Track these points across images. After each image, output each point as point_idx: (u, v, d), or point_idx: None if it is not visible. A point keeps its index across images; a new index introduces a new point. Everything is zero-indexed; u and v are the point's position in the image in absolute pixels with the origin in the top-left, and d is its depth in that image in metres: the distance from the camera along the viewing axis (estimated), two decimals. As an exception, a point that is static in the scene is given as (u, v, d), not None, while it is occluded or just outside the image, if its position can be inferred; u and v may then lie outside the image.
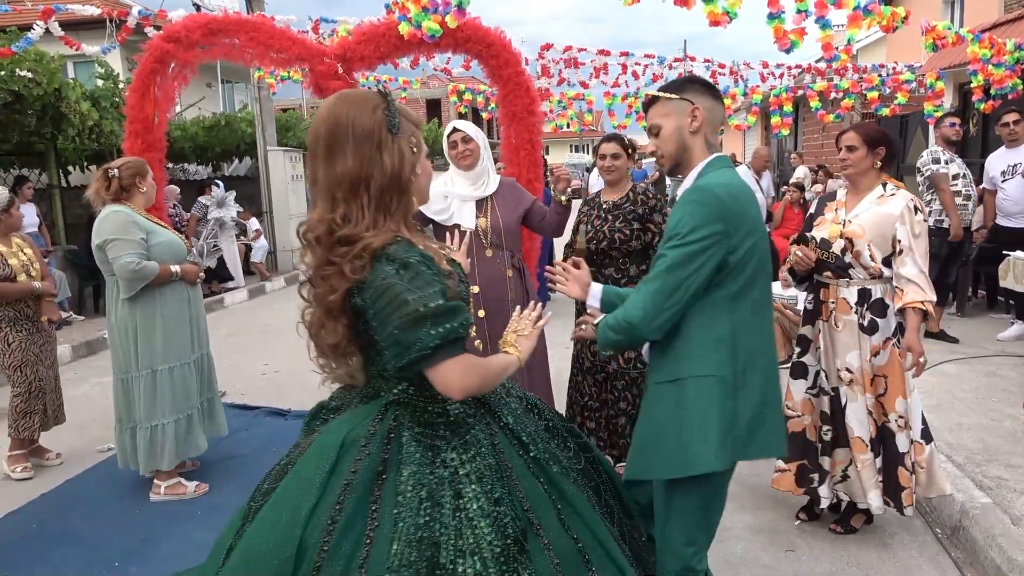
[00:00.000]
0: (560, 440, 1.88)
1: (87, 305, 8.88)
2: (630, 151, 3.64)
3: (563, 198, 3.35)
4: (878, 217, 2.94)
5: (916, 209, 2.91)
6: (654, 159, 2.20)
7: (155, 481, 3.71)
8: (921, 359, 2.86)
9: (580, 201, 4.01)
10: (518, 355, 1.76)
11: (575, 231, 3.67)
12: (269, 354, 6.82)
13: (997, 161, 6.17)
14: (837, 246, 3.01)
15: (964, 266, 6.81)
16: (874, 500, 3.00)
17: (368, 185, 1.54)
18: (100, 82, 9.66)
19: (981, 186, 6.47)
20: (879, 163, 3.03)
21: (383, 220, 1.56)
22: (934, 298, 2.88)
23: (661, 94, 2.04)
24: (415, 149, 1.62)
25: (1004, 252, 5.38)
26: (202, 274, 3.89)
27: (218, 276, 10.14)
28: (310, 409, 1.88)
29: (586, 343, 3.58)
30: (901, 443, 2.97)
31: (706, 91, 2.03)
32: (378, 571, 1.48)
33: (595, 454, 1.98)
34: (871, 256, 2.94)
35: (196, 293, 3.85)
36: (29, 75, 7.83)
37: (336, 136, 1.54)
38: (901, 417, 2.96)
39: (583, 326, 2.14)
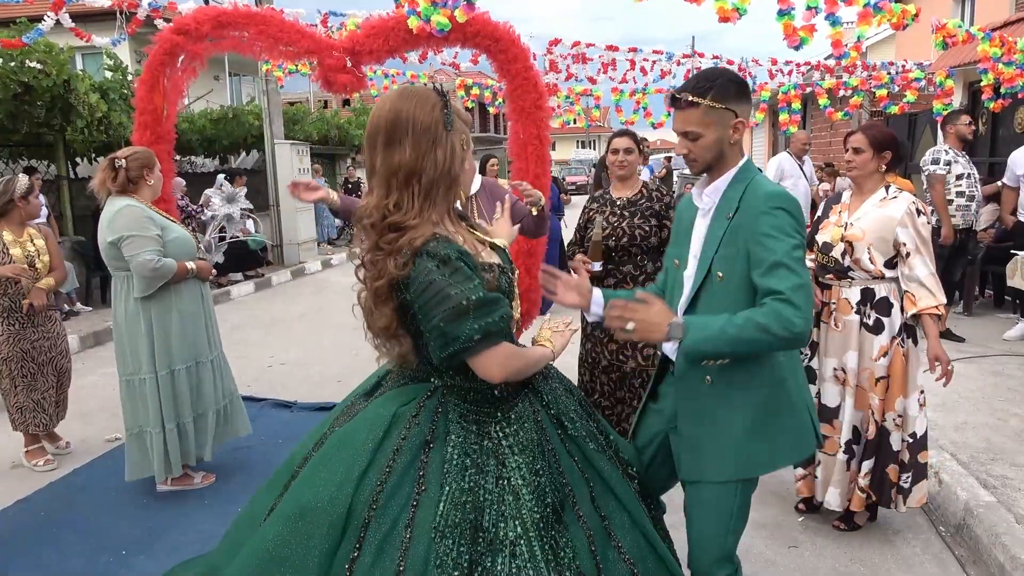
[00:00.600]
0: (595, 424, 1.97)
1: (95, 296, 8.93)
2: (640, 147, 3.62)
3: (534, 210, 3.33)
4: (879, 220, 2.93)
5: (919, 212, 2.91)
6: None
7: (162, 471, 3.70)
8: (949, 367, 2.87)
9: (587, 197, 3.98)
10: (552, 348, 1.89)
11: (582, 228, 3.63)
12: (275, 346, 6.85)
13: (1023, 157, 6.06)
14: (837, 250, 3.01)
15: (971, 265, 6.78)
16: (832, 498, 3.04)
17: (421, 177, 1.64)
18: (109, 74, 9.69)
19: (1001, 181, 6.35)
20: (884, 167, 3.03)
21: (428, 210, 1.65)
22: (944, 300, 2.88)
23: (702, 101, 1.91)
24: (465, 146, 1.72)
25: (1012, 252, 5.36)
26: (214, 271, 3.82)
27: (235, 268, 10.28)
28: (360, 386, 1.95)
29: (603, 343, 3.43)
30: (895, 441, 2.99)
31: (743, 94, 1.95)
32: (424, 531, 1.56)
33: (618, 447, 2.03)
34: (871, 259, 2.94)
35: (208, 291, 3.78)
36: (38, 66, 7.86)
37: (397, 129, 1.63)
38: (899, 416, 2.97)
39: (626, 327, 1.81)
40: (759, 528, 3.23)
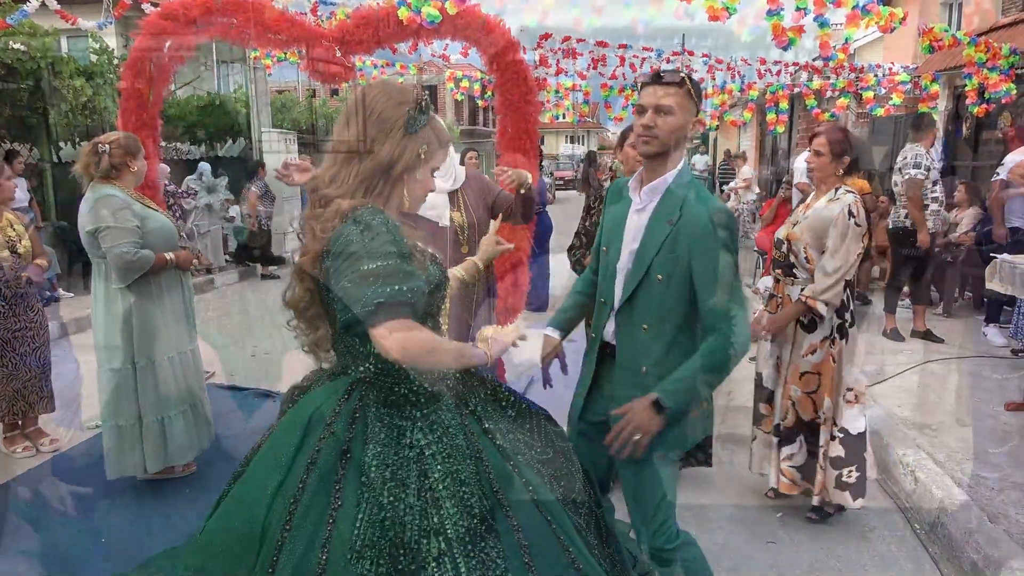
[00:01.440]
0: (530, 429, 1.90)
1: (76, 282, 8.83)
2: None
3: (522, 190, 3.19)
4: (818, 220, 3.07)
5: (851, 214, 3.00)
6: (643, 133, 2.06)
7: (143, 459, 3.65)
8: (762, 332, 3.08)
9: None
10: (487, 352, 1.76)
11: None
12: (258, 336, 6.82)
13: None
14: (785, 246, 3.17)
15: (952, 267, 6.85)
16: (773, 474, 3.20)
17: (361, 159, 1.65)
18: (94, 57, 9.57)
19: (995, 178, 6.16)
20: (842, 171, 3.13)
21: (363, 195, 1.64)
22: (825, 299, 2.97)
23: (688, 83, 2.03)
24: (422, 155, 1.69)
25: (992, 255, 5.39)
26: (196, 260, 3.73)
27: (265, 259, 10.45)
28: (284, 393, 1.90)
29: None
30: (822, 437, 3.10)
31: (701, 100, 2.11)
32: (341, 551, 1.48)
33: (568, 444, 1.99)
34: (807, 257, 3.08)
35: (188, 280, 3.70)
36: (22, 48, 7.76)
37: (357, 109, 1.68)
38: (823, 413, 3.09)
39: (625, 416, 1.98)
40: (738, 524, 3.26)
